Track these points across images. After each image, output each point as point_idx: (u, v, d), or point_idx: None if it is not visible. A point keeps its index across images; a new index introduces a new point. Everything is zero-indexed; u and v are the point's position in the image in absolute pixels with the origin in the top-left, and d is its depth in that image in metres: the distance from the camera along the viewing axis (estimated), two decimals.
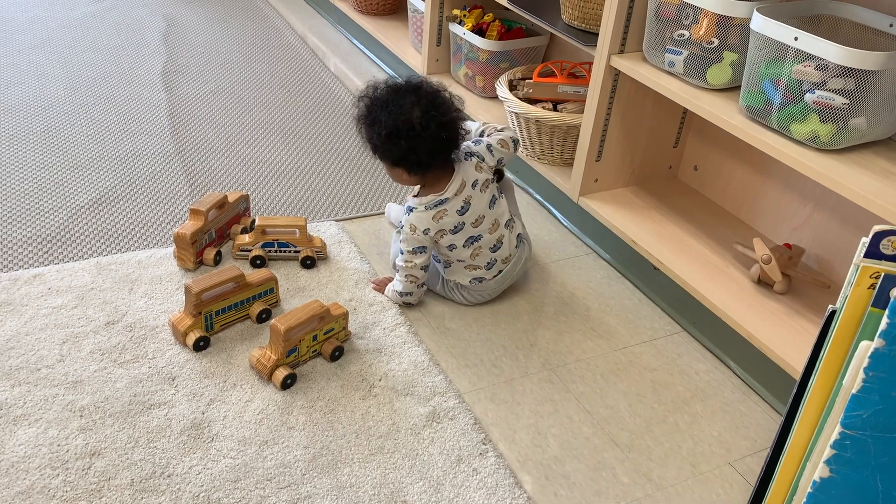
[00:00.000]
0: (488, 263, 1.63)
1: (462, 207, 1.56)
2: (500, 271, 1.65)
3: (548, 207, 2.07)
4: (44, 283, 1.63)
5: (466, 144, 1.60)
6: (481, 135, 1.66)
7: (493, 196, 1.61)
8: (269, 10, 3.41)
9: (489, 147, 1.61)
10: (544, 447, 1.37)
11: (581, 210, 1.96)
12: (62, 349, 1.46)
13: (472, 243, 1.60)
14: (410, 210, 1.57)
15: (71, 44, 2.86)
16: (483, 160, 1.60)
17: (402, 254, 1.60)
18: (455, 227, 1.57)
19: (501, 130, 1.66)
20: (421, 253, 1.58)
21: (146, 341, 1.50)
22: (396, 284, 1.63)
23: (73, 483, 1.22)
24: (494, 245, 1.62)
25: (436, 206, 1.55)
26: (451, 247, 1.59)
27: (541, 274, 1.81)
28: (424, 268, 1.60)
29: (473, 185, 1.57)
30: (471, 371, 1.52)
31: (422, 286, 1.64)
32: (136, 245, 1.79)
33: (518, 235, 1.69)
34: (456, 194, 1.55)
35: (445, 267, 1.66)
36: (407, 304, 1.65)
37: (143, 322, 1.55)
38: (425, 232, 1.56)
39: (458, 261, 1.62)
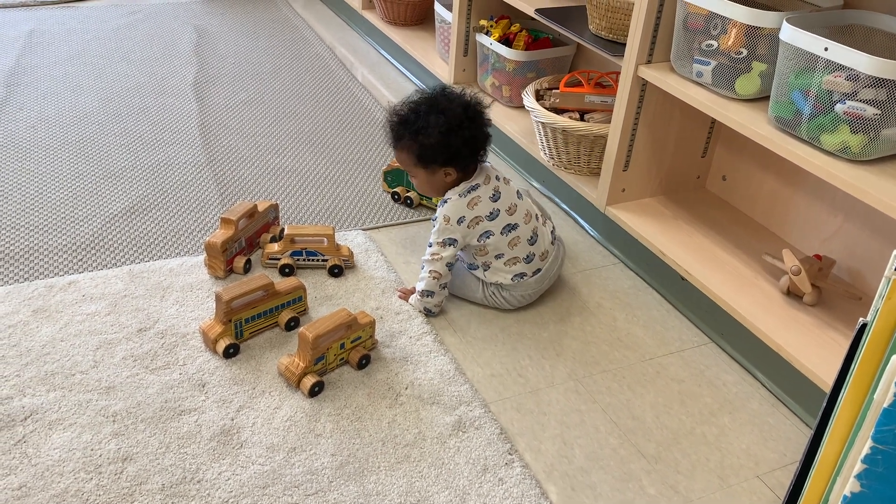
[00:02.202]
0: (527, 256, 1.66)
1: (493, 195, 1.63)
2: (539, 269, 1.68)
3: (574, 217, 2.07)
4: (78, 291, 1.66)
5: None
6: None
7: (517, 190, 1.69)
8: (298, 21, 3.45)
9: None
10: (570, 457, 1.37)
11: (608, 220, 1.95)
12: (96, 355, 1.49)
13: (509, 231, 1.63)
14: (445, 202, 1.63)
15: (105, 55, 2.92)
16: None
17: (430, 246, 1.63)
18: (491, 212, 1.62)
19: None
20: (450, 246, 1.61)
21: (177, 348, 1.53)
22: (419, 284, 1.66)
23: (105, 487, 1.24)
24: (531, 237, 1.66)
25: (469, 192, 1.62)
26: (488, 234, 1.62)
27: (567, 283, 1.81)
28: (450, 265, 1.63)
29: (497, 178, 1.66)
30: (496, 380, 1.52)
31: (444, 288, 1.65)
32: (167, 253, 1.82)
33: (552, 231, 1.74)
34: (485, 182, 1.63)
35: (485, 270, 1.68)
36: (427, 311, 1.66)
37: (174, 329, 1.57)
38: (459, 221, 1.61)
39: (497, 256, 1.65)
